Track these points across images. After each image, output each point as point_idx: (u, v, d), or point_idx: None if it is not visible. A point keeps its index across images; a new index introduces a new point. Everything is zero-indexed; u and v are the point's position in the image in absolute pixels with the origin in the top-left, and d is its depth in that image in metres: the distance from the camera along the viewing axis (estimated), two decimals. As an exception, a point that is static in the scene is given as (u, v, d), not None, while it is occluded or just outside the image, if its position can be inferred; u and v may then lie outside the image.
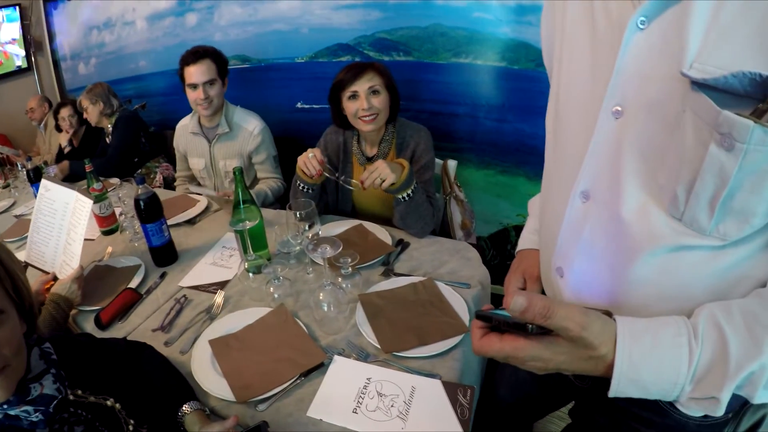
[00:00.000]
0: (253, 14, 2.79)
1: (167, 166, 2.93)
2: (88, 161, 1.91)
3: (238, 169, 1.50)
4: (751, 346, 0.57)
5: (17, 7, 4.50)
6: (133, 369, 1.15)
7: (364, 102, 1.72)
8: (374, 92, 1.74)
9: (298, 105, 2.62)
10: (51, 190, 1.71)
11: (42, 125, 3.95)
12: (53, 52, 4.74)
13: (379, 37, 2.50)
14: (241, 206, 1.51)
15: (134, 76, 3.73)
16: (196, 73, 2.17)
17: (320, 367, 1.21)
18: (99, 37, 4.01)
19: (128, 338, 1.33)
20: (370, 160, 1.89)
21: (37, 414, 0.86)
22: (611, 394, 0.61)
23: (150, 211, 1.62)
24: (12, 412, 0.84)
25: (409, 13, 2.41)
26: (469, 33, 2.31)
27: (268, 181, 2.33)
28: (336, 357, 1.23)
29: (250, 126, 2.29)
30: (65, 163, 2.81)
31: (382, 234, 1.74)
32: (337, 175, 1.73)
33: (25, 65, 4.58)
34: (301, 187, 1.76)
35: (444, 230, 2.07)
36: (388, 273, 1.55)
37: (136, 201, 1.61)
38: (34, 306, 0.94)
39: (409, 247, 1.69)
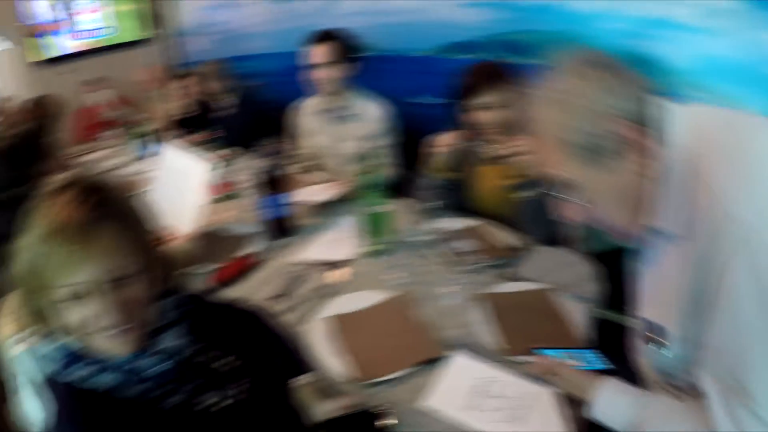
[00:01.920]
0: (376, 3, 2.80)
1: (277, 145, 2.98)
2: (213, 129, 1.97)
3: (370, 153, 1.50)
4: None
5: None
6: (254, 333, 1.15)
7: (495, 115, 1.68)
8: (503, 107, 1.68)
9: (414, 99, 2.59)
10: (171, 153, 1.77)
11: (159, 93, 4.15)
12: (174, 24, 4.99)
13: (506, 38, 2.44)
14: (372, 190, 1.52)
15: (252, 54, 3.83)
16: (314, 53, 2.21)
17: (439, 360, 1.18)
18: (221, 13, 4.17)
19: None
20: (495, 160, 1.82)
21: (157, 368, 0.85)
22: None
23: (275, 184, 1.67)
24: (132, 366, 0.84)
25: (539, 17, 2.34)
26: (602, 43, 2.21)
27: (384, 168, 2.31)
28: (456, 352, 1.20)
29: (375, 111, 2.29)
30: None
31: (507, 235, 1.70)
32: None
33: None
34: (428, 180, 1.73)
35: (559, 241, 1.98)
36: (512, 275, 1.51)
37: (262, 172, 1.65)
38: (164, 256, 0.93)
39: (531, 253, 1.63)
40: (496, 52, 2.46)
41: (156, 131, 2.80)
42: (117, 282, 0.77)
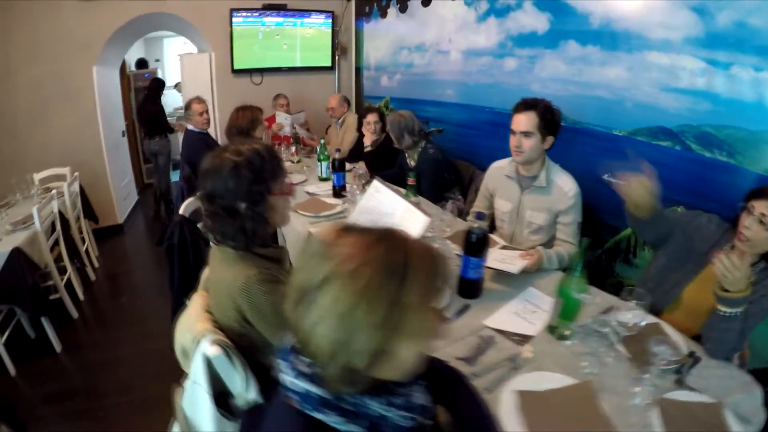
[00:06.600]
0: (577, 74, 2.79)
1: (461, 199, 3.05)
2: (413, 175, 2.09)
3: (587, 241, 1.52)
4: None
5: (331, 15, 5.28)
6: (451, 395, 1.19)
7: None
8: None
9: (605, 177, 2.56)
10: (381, 193, 1.88)
11: (339, 122, 4.44)
12: (358, 59, 5.36)
13: (705, 130, 2.33)
14: (578, 276, 1.51)
15: (438, 101, 3.99)
16: (516, 120, 2.24)
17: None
18: (408, 57, 4.41)
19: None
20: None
21: (401, 423, 0.88)
22: None
23: (478, 247, 1.71)
24: (379, 416, 0.87)
25: (741, 113, 2.21)
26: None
27: (565, 245, 2.28)
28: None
29: (566, 186, 2.27)
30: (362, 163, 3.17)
31: (679, 339, 1.63)
32: None
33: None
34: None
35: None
36: (681, 383, 1.44)
37: (469, 233, 1.71)
38: None
39: (700, 364, 1.55)
40: (688, 143, 2.37)
41: (340, 160, 2.99)
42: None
